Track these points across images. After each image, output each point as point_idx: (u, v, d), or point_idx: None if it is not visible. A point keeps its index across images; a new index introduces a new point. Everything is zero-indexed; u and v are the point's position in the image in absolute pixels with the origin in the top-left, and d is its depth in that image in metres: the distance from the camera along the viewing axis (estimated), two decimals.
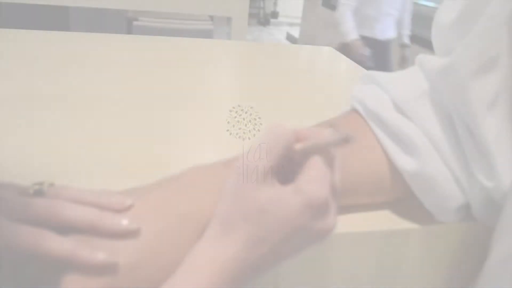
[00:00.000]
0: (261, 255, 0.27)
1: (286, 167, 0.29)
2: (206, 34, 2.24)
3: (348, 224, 0.37)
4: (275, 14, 7.17)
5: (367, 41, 2.40)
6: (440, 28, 0.39)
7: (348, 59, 1.02)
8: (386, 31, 2.46)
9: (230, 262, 0.26)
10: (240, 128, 0.30)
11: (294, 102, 0.68)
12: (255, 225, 0.27)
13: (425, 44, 2.61)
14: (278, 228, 0.27)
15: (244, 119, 0.30)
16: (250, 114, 0.30)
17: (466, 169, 0.36)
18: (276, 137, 0.29)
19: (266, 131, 0.29)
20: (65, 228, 0.26)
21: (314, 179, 0.28)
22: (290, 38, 5.69)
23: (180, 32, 2.19)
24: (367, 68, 0.67)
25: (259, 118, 0.30)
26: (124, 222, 0.26)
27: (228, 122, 0.29)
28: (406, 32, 2.56)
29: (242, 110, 0.30)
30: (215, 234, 0.27)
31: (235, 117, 0.30)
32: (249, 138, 0.29)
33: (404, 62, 2.55)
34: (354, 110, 0.42)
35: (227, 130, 0.29)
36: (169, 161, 0.45)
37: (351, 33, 2.39)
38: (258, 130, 0.29)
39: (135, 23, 2.17)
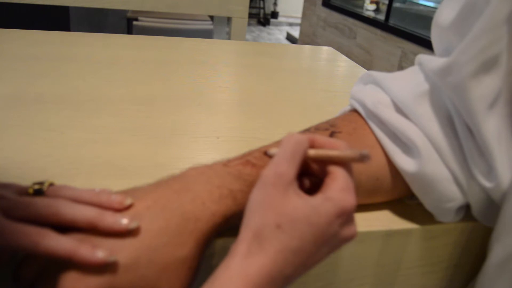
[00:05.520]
0: (295, 266, 0.27)
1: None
2: (206, 34, 2.25)
3: None
4: (275, 14, 7.18)
5: None
6: (440, 28, 0.39)
7: (348, 59, 1.02)
8: None
9: (264, 276, 0.25)
10: None
11: (294, 102, 0.68)
12: (289, 235, 0.26)
13: (425, 44, 2.61)
14: (312, 237, 0.27)
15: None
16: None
17: (466, 170, 0.36)
18: (296, 145, 0.30)
19: (286, 140, 0.30)
20: (65, 227, 0.26)
21: (343, 188, 0.29)
22: (290, 38, 5.69)
23: (180, 32, 2.19)
24: None
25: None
26: (124, 221, 0.26)
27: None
28: None
29: None
30: (246, 248, 0.26)
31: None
32: None
33: None
34: (354, 110, 0.42)
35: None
36: (169, 161, 0.45)
37: None
38: None
39: (135, 23, 2.17)
